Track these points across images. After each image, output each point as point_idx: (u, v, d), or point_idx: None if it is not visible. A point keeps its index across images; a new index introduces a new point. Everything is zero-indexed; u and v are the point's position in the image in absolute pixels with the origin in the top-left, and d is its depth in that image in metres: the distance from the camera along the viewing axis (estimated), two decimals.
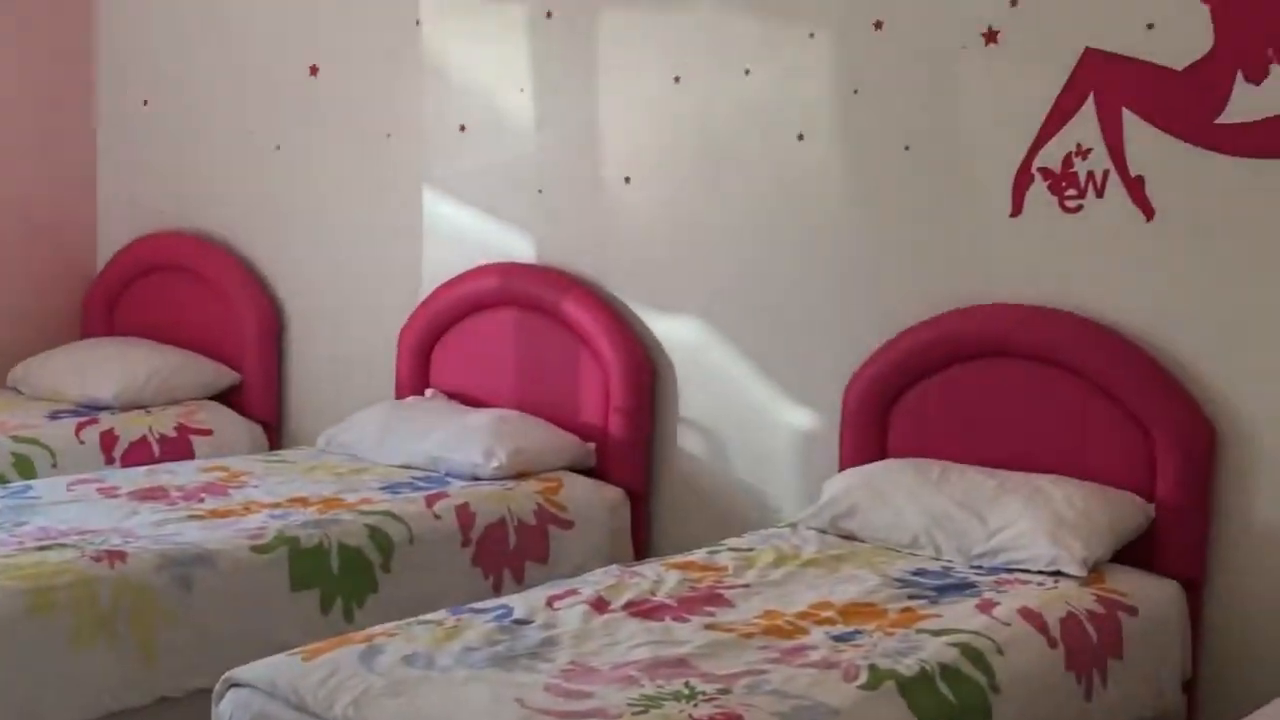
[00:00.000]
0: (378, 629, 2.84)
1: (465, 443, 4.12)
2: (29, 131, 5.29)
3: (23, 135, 5.28)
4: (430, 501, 3.85)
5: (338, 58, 4.83)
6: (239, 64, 5.06)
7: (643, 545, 4.22)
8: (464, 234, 4.59)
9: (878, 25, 3.79)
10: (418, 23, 4.63)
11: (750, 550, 3.43)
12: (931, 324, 3.74)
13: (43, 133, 5.33)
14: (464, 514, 3.83)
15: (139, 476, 4.02)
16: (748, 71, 4.02)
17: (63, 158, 5.40)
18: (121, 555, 3.27)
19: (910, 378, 3.76)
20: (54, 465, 4.34)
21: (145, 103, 5.32)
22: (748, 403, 4.09)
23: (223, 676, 2.69)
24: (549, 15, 4.36)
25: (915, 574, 3.28)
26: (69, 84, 5.38)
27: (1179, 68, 3.38)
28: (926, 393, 3.75)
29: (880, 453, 3.80)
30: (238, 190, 5.12)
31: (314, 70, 4.87)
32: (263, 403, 4.95)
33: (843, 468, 3.80)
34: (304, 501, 3.79)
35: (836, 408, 3.86)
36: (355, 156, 4.81)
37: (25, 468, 4.29)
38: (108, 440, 4.53)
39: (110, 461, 4.47)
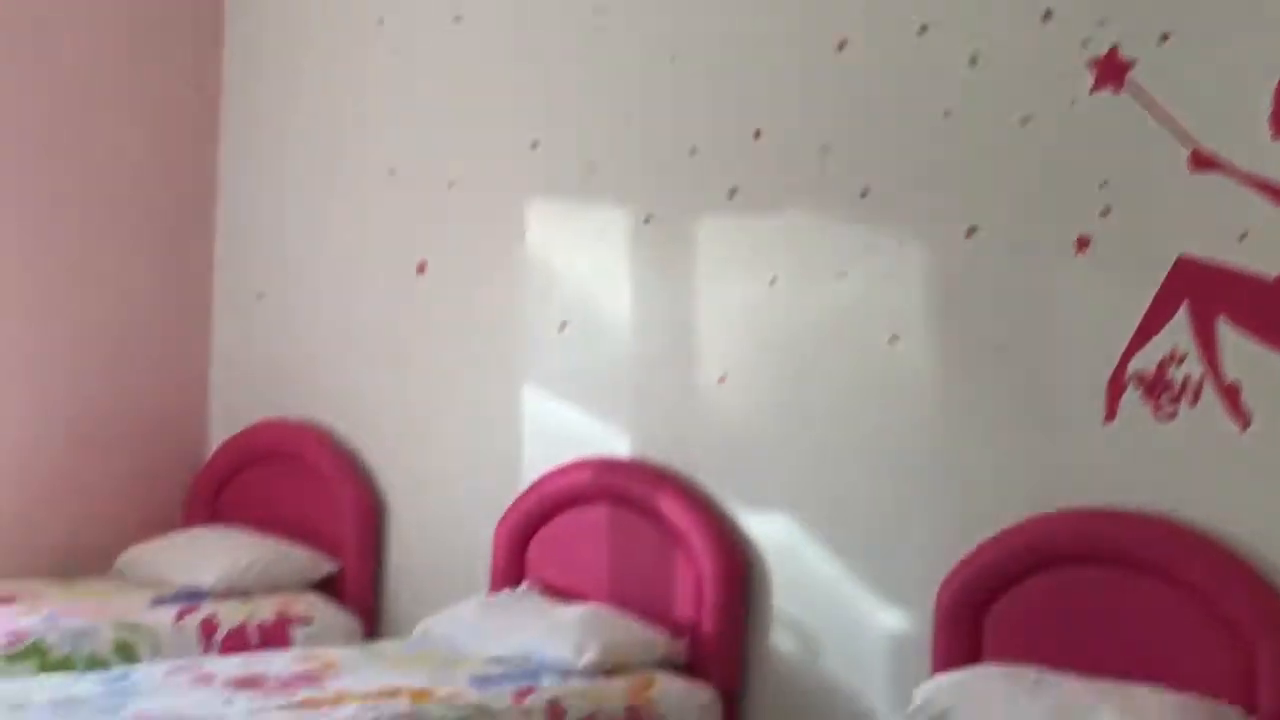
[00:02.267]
0: None
1: (557, 638, 4.13)
2: (148, 328, 5.48)
3: (140, 328, 5.47)
4: (519, 696, 3.86)
5: (446, 255, 4.97)
6: (349, 260, 5.23)
7: None
8: (561, 430, 4.66)
9: (971, 231, 3.85)
10: (524, 225, 4.77)
11: None
12: (1024, 528, 3.72)
13: (161, 328, 5.52)
14: (554, 710, 3.84)
15: (235, 665, 4.07)
16: (842, 274, 4.09)
17: (179, 351, 5.58)
18: None
19: (1003, 582, 3.74)
20: (155, 652, 4.41)
21: (260, 296, 5.49)
22: (841, 604, 4.08)
23: None
24: (648, 220, 4.48)
25: None
26: (187, 277, 5.58)
27: (1272, 276, 3.39)
28: (1020, 598, 3.72)
29: (974, 657, 3.75)
30: (346, 382, 5.25)
31: (422, 267, 5.01)
32: (361, 593, 5.01)
33: (935, 672, 3.77)
34: (395, 693, 3.81)
35: (929, 611, 3.84)
36: (459, 351, 4.92)
37: (127, 653, 4.37)
38: (207, 627, 4.60)
39: (209, 649, 4.54)
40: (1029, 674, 3.53)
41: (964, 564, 3.79)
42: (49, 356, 5.26)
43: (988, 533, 3.78)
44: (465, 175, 4.92)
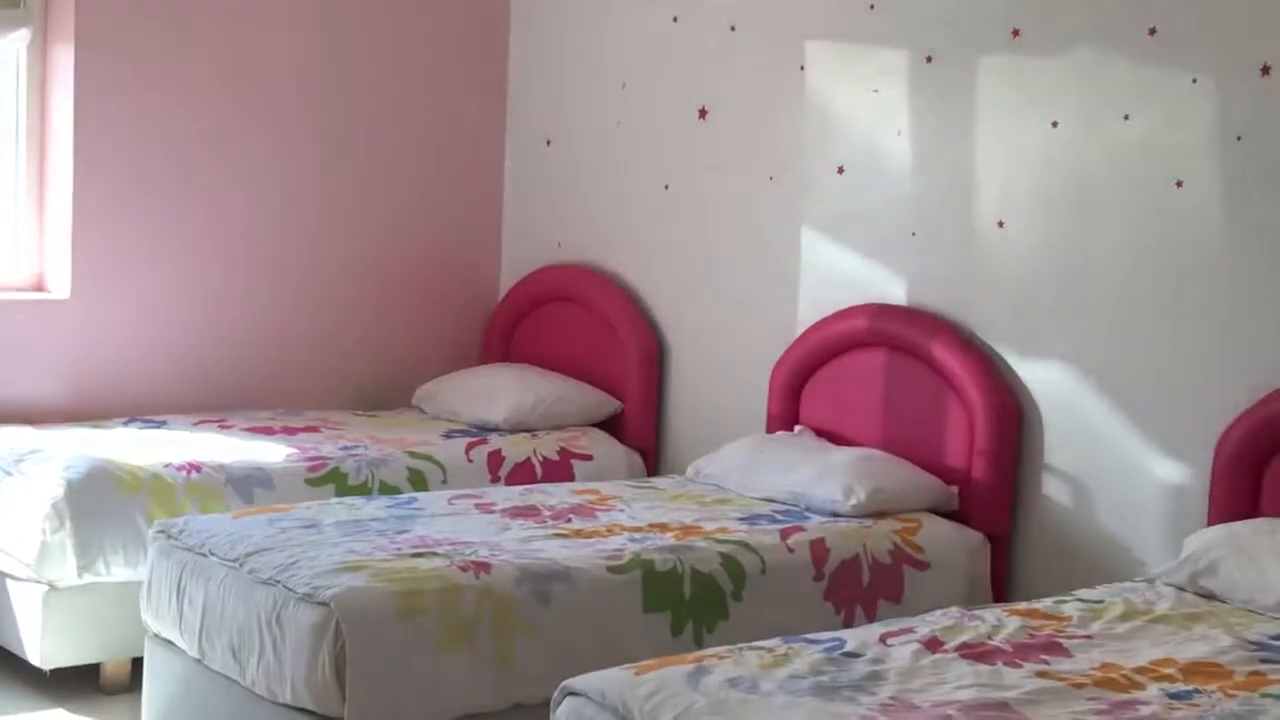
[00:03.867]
0: (709, 651, 2.95)
1: (826, 479, 4.18)
2: (445, 171, 5.67)
3: (440, 174, 5.66)
4: (785, 534, 3.94)
5: (726, 101, 4.99)
6: (633, 107, 5.29)
7: (1001, 591, 4.19)
8: (838, 274, 4.66)
9: (1265, 70, 3.68)
10: (802, 68, 4.74)
11: (1100, 602, 3.38)
12: None
13: (457, 172, 5.70)
14: (818, 548, 3.90)
15: (515, 495, 4.25)
16: (1126, 117, 3.96)
17: (474, 195, 5.76)
18: (486, 566, 3.49)
19: None
20: (444, 481, 4.64)
21: (548, 143, 5.61)
22: (1115, 452, 4.01)
23: (561, 685, 2.84)
24: (928, 60, 4.40)
25: (1275, 638, 3.16)
26: (482, 127, 5.74)
27: None
28: None
29: (1252, 511, 3.67)
30: (629, 227, 5.34)
31: (703, 113, 5.04)
32: (642, 431, 5.14)
33: (1212, 524, 3.69)
34: (664, 527, 3.94)
35: (1208, 462, 3.75)
36: (738, 196, 4.95)
37: (418, 481, 4.60)
38: (494, 460, 4.80)
39: (495, 480, 4.74)
40: None
41: (1246, 415, 3.69)
42: (357, 203, 5.50)
43: (1272, 384, 3.66)
44: (747, 18, 4.91)
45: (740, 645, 2.97)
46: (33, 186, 5.03)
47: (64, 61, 4.93)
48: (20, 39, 4.92)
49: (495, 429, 5.02)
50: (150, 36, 5.04)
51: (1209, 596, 3.43)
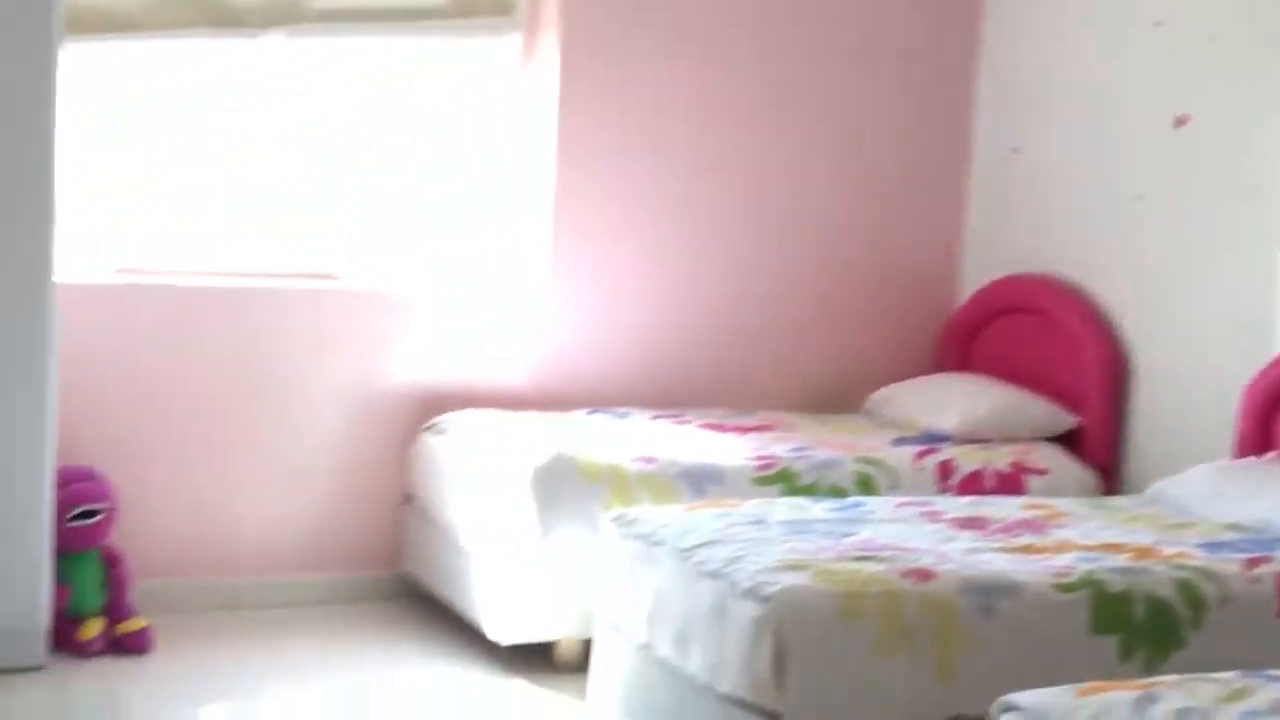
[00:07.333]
0: (1161, 679, 2.82)
1: None
2: (908, 178, 5.65)
3: (902, 182, 5.64)
4: (1250, 564, 3.72)
5: (1207, 108, 4.76)
6: (1105, 114, 5.12)
7: None
8: None
9: None
10: None
11: None
12: None
13: (920, 180, 5.67)
14: None
15: (963, 505, 4.19)
16: None
17: (936, 203, 5.71)
18: (929, 575, 3.45)
19: None
20: (893, 486, 4.61)
21: (1015, 150, 5.50)
22: None
23: (998, 700, 2.78)
24: None
25: None
26: (945, 133, 5.68)
27: None
28: None
29: None
30: (1097, 238, 5.18)
31: (1181, 120, 4.83)
32: (1100, 449, 4.97)
33: None
34: (1118, 548, 3.79)
35: None
36: (1216, 210, 4.72)
37: (867, 486, 4.59)
38: (944, 469, 4.74)
39: (945, 489, 4.67)
40: None
41: None
42: (820, 208, 5.54)
43: None
44: (1228, 28, 4.67)
45: (1195, 675, 2.83)
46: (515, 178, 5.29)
47: (549, 56, 5.18)
48: (511, 43, 5.20)
49: (946, 438, 4.96)
50: (635, 34, 5.25)
51: None
